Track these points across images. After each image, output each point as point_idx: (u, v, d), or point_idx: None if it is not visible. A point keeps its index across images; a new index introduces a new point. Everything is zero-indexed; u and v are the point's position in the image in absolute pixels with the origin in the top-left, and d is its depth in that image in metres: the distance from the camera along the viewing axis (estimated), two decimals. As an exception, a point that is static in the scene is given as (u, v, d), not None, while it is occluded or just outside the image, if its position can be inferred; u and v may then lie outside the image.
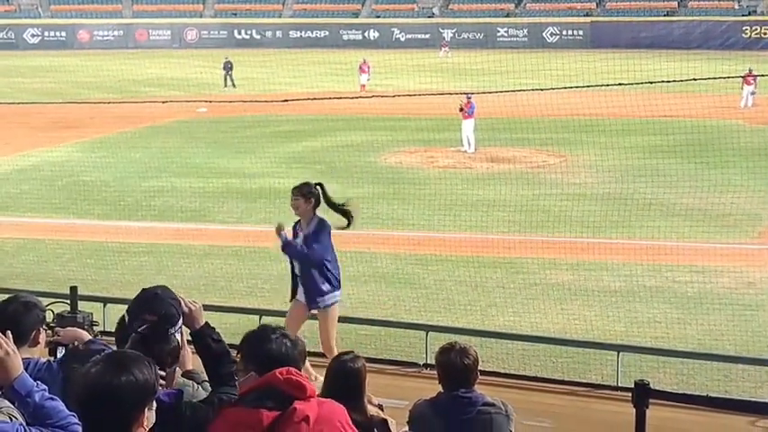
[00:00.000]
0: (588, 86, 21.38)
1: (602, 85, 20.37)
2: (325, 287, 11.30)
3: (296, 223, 11.56)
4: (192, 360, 6.13)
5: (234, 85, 56.21)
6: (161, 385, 4.43)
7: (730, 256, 18.49)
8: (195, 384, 5.87)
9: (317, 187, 11.43)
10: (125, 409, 3.97)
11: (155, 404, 4.17)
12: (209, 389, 5.83)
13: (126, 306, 5.79)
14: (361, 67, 54.30)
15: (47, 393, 4.85)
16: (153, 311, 5.39)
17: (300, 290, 11.53)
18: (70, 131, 38.14)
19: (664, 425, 8.60)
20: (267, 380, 4.69)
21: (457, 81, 43.95)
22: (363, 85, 52.01)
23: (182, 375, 5.95)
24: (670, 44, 72.88)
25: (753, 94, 42.54)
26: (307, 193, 11.31)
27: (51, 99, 38.97)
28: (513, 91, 24.03)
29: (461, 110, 32.81)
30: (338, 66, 55.93)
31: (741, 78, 41.23)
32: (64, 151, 34.18)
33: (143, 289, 5.94)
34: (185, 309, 5.48)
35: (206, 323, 5.52)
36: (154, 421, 4.19)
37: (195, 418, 5.02)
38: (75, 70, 59.14)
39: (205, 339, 5.47)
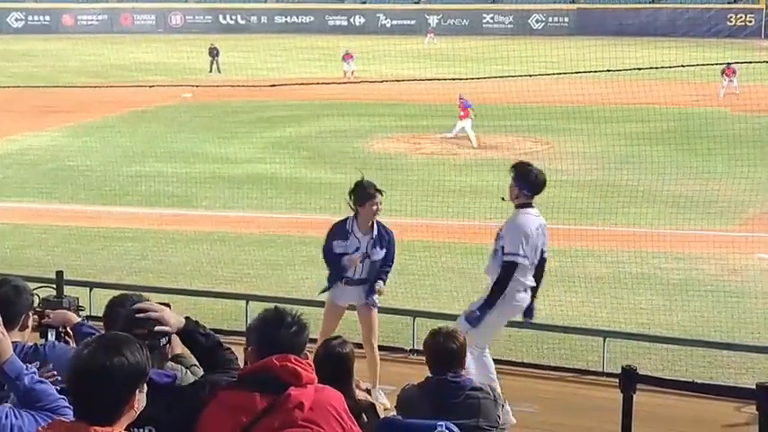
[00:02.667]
0: (575, 73, 21.37)
1: (587, 72, 20.38)
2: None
3: (345, 223, 10.65)
4: (180, 344, 6.12)
5: (219, 71, 56.08)
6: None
7: (715, 243, 18.54)
8: (184, 369, 5.87)
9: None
10: (116, 391, 3.98)
11: (145, 387, 4.16)
12: (198, 374, 5.83)
13: (113, 292, 5.78)
14: (344, 57, 53.93)
15: (36, 376, 4.86)
16: (140, 326, 5.30)
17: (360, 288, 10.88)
18: (54, 116, 37.98)
19: (649, 410, 8.65)
20: (264, 365, 4.70)
21: (443, 67, 43.97)
22: (353, 71, 51.76)
23: (170, 359, 5.96)
24: (656, 31, 72.97)
25: (731, 81, 42.63)
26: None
27: (35, 83, 38.75)
28: (500, 77, 24.02)
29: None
30: (324, 51, 55.77)
31: (721, 73, 41.49)
32: (48, 136, 34.07)
33: (115, 303, 5.93)
34: (153, 316, 5.22)
35: (187, 319, 5.28)
36: (145, 403, 4.18)
37: (189, 402, 5.02)
38: (59, 55, 58.87)
39: (193, 336, 5.27)
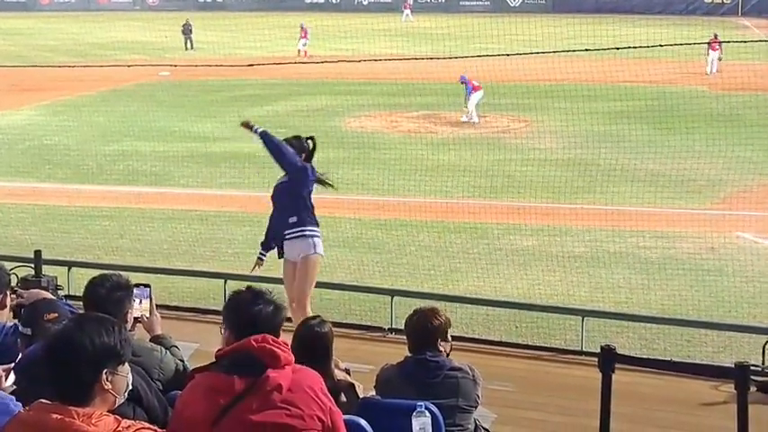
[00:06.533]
0: (553, 52, 21.38)
1: (565, 51, 20.38)
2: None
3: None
4: (161, 325, 6.10)
5: (192, 47, 55.62)
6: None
7: (693, 221, 18.60)
8: (163, 350, 5.85)
9: (309, 141, 11.02)
10: (77, 369, 3.93)
11: (125, 369, 4.11)
12: (178, 354, 5.82)
13: (91, 271, 5.76)
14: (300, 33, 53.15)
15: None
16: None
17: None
18: (31, 95, 37.73)
19: (628, 389, 8.67)
20: (242, 346, 4.67)
21: (420, 46, 43.82)
22: (305, 51, 51.31)
23: (150, 340, 5.95)
24: (633, 9, 72.87)
25: (719, 59, 42.56)
26: (298, 147, 10.88)
27: (11, 62, 38.44)
28: (478, 56, 24.02)
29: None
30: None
31: (706, 45, 41.28)
32: (25, 115, 33.88)
33: (95, 283, 5.88)
34: None
35: None
36: (130, 387, 4.15)
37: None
38: (35, 33, 58.36)
39: None
